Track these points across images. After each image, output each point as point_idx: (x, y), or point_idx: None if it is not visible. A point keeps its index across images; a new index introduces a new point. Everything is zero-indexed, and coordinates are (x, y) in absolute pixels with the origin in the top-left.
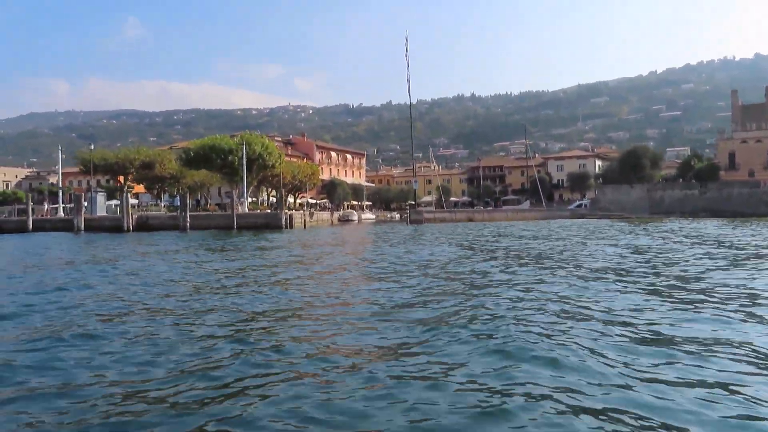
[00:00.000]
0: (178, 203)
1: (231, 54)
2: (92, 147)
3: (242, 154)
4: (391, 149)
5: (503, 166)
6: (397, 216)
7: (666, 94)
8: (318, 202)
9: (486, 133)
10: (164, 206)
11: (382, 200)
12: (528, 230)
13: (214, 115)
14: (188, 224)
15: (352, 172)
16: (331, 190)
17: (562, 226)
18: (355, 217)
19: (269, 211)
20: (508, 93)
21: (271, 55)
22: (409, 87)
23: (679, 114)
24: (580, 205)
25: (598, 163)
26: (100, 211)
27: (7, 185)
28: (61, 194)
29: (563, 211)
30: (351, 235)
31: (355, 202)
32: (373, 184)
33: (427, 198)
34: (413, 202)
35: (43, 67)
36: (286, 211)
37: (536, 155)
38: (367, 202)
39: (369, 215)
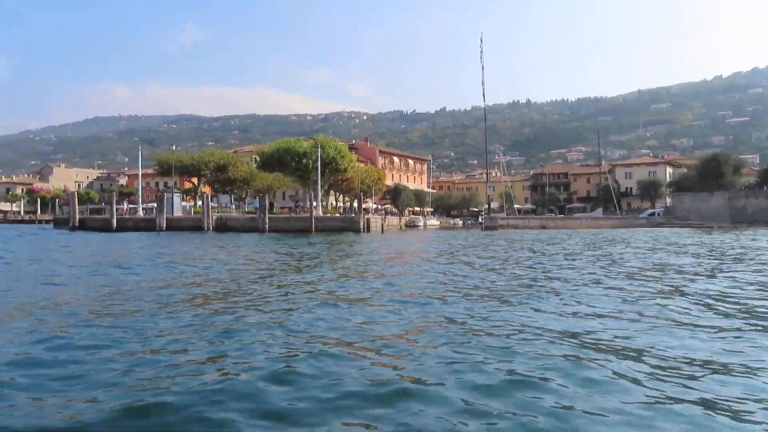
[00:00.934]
0: (257, 205)
1: (285, 59)
2: (174, 147)
3: (317, 157)
4: (445, 156)
5: (568, 173)
6: (460, 222)
7: (732, 100)
8: (383, 207)
9: (542, 140)
10: (234, 208)
11: (443, 206)
12: (633, 240)
13: (269, 121)
14: (267, 226)
15: (414, 177)
16: (395, 196)
17: (659, 235)
18: (421, 223)
19: (337, 215)
20: (565, 99)
21: (324, 61)
22: (483, 90)
23: (747, 120)
24: (652, 214)
25: (669, 170)
26: (176, 212)
27: (79, 185)
28: (140, 194)
29: (639, 219)
30: (446, 242)
31: (417, 208)
32: (434, 190)
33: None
34: (482, 208)
35: (105, 72)
36: (365, 215)
37: (603, 162)
38: (428, 208)
39: (433, 221)
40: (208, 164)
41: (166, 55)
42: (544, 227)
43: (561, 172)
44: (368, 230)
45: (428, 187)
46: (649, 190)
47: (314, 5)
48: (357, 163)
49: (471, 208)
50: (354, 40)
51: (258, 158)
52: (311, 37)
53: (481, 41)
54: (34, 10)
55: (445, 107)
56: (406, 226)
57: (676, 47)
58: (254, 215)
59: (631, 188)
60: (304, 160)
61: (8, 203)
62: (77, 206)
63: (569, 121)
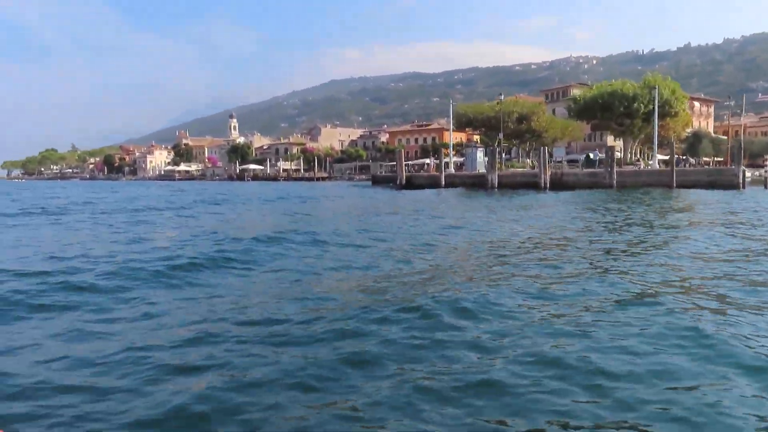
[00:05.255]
0: (596, 158)
1: (505, 9)
2: (501, 96)
3: (649, 100)
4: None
5: None
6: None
7: None
8: (681, 157)
9: None
10: (530, 162)
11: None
12: None
13: (492, 73)
14: (614, 181)
15: (699, 122)
16: (695, 144)
17: None
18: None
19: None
20: None
21: (545, 6)
22: None
23: None
24: None
25: None
26: (480, 167)
27: (342, 144)
28: (451, 150)
29: None
30: None
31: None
32: (724, 137)
33: None
34: None
35: (338, 38)
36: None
37: None
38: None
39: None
40: (510, 115)
41: (390, 17)
42: None
43: None
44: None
45: (713, 132)
46: None
47: None
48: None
49: None
50: None
51: (573, 105)
52: None
53: None
54: None
55: (689, 42)
56: None
57: None
58: (593, 170)
59: None
60: (634, 104)
61: (288, 162)
62: (403, 165)
63: None
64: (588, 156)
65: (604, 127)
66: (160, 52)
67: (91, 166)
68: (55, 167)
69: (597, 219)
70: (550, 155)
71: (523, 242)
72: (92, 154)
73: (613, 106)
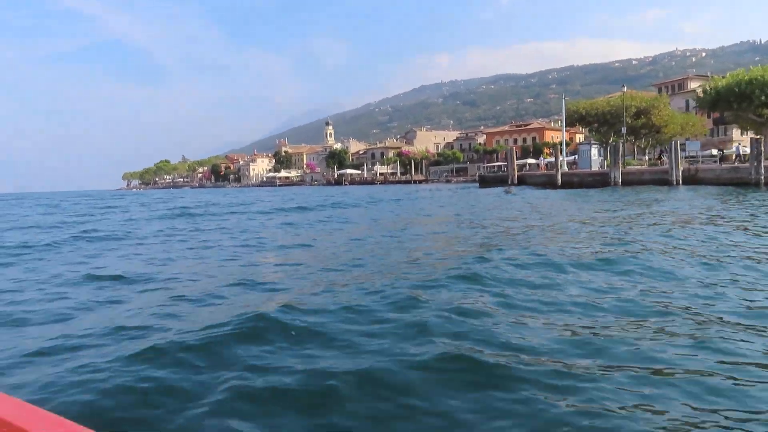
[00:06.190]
0: (738, 152)
1: (605, 4)
2: (624, 88)
3: None
4: None
5: None
6: None
7: None
8: None
9: None
10: (647, 159)
11: None
12: None
13: (590, 71)
14: (762, 177)
15: None
16: None
17: None
18: None
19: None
20: None
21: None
22: None
23: None
24: None
25: None
26: (594, 165)
27: (437, 147)
28: (564, 148)
29: None
30: None
31: None
32: None
33: None
34: None
35: (429, 44)
36: None
37: None
38: None
39: None
40: (629, 110)
41: (484, 20)
42: None
43: None
44: None
45: None
46: None
47: None
48: None
49: None
50: None
51: (701, 96)
52: None
53: None
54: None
55: None
56: None
57: None
58: (734, 165)
59: None
60: None
61: (384, 166)
62: (515, 164)
63: None
64: (722, 151)
65: (737, 120)
66: (261, 67)
67: (199, 174)
68: (167, 177)
69: None
70: (683, 149)
71: None
72: (201, 164)
73: (753, 96)
